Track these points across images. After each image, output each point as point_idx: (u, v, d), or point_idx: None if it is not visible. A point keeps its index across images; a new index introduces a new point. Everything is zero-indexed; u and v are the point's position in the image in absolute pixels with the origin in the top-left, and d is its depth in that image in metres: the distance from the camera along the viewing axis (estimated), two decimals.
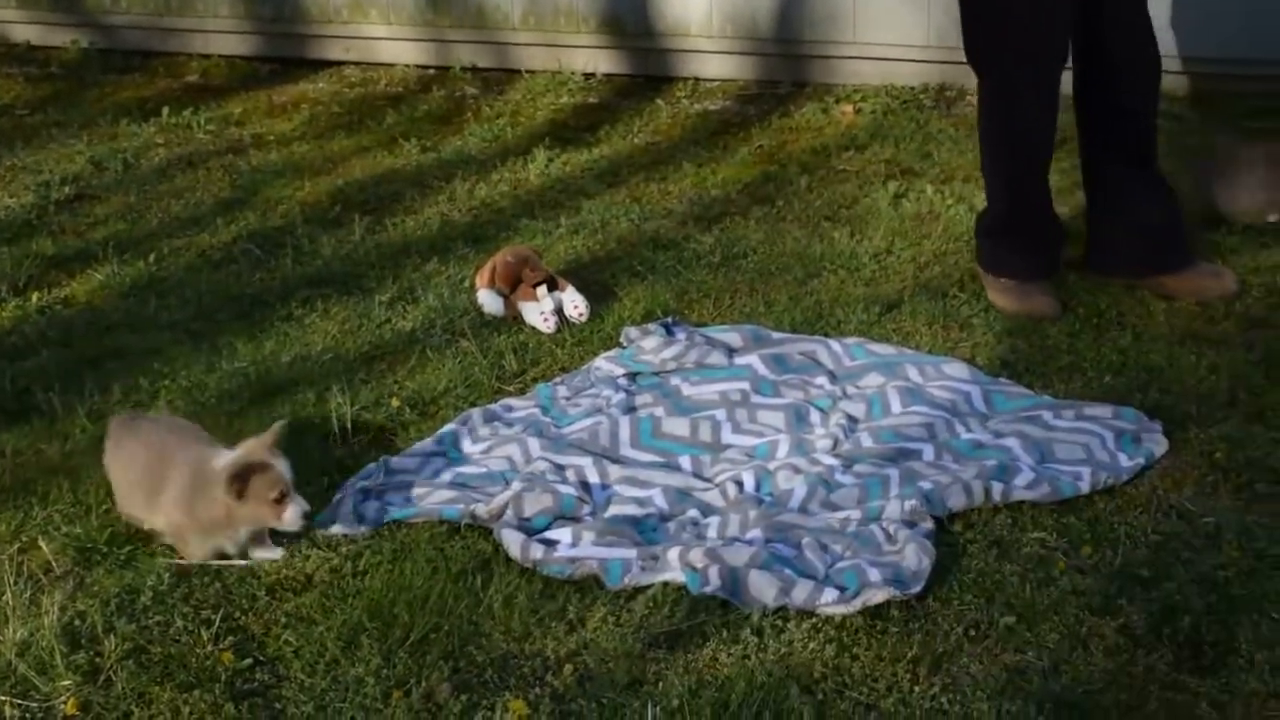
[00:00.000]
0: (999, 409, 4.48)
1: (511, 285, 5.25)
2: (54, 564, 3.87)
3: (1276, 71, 7.11)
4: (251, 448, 3.82)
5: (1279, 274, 5.29)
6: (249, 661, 3.48)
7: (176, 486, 3.84)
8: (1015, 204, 5.24)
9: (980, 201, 5.96)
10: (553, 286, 5.24)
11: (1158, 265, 5.25)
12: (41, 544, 3.93)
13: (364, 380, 4.84)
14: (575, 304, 5.21)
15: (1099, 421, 4.32)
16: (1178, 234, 5.32)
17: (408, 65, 8.63)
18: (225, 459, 3.82)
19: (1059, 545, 3.80)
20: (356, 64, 8.75)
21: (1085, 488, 4.01)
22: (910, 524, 3.83)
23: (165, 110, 7.93)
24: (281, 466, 3.80)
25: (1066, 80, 5.11)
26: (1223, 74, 7.18)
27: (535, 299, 5.18)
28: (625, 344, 4.97)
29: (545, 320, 5.14)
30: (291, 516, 3.79)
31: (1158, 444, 4.23)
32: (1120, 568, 3.69)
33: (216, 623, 3.60)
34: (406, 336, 5.16)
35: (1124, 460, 4.14)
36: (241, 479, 3.75)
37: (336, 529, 3.97)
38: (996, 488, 3.97)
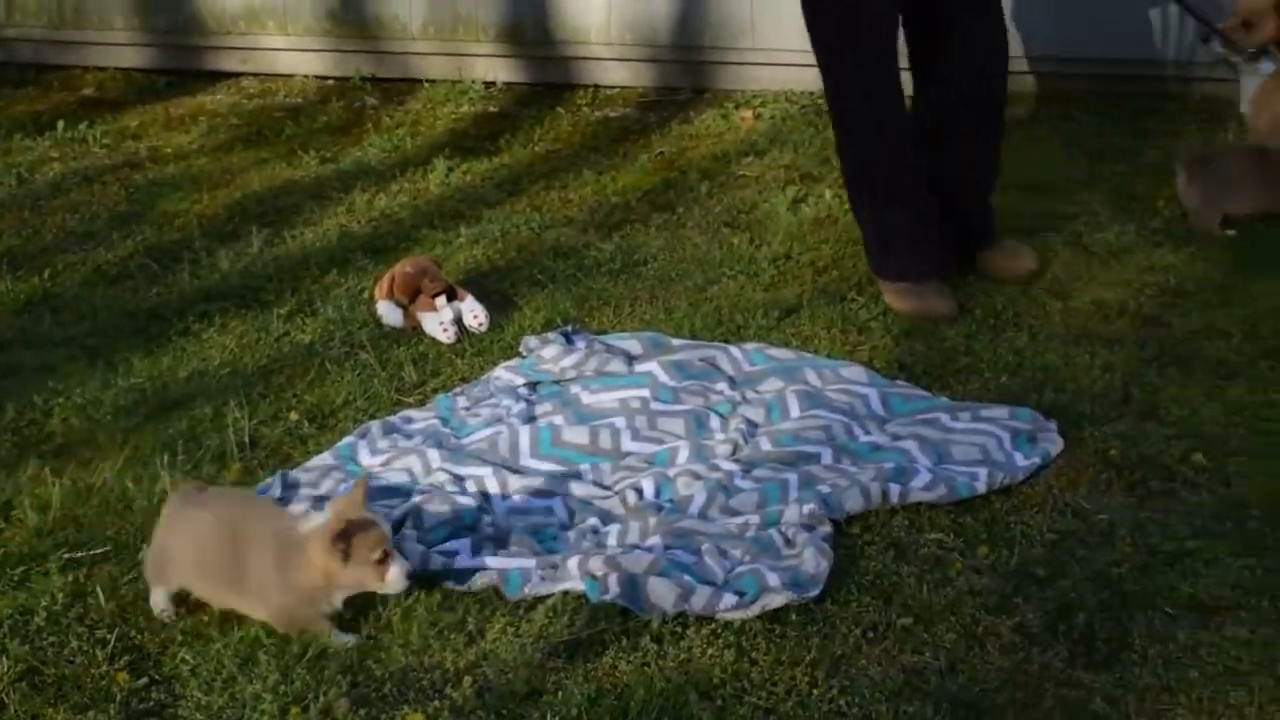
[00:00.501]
0: (897, 411, 4.51)
1: (410, 296, 5.23)
2: None
3: (1159, 72, 7.21)
4: (344, 506, 3.53)
5: (1171, 272, 5.36)
6: (145, 681, 3.45)
7: (264, 561, 3.55)
8: (893, 204, 5.29)
9: None
10: (452, 296, 5.23)
11: (962, 245, 5.40)
12: None
13: (262, 394, 4.80)
14: (475, 313, 5.19)
15: (995, 422, 4.36)
16: (986, 214, 5.49)
17: (306, 76, 8.57)
18: (315, 522, 3.56)
19: (956, 546, 3.83)
20: (254, 75, 8.68)
21: (982, 488, 4.05)
22: (808, 528, 3.84)
23: (60, 124, 7.83)
24: (383, 525, 3.58)
25: None
26: (1110, 75, 7.26)
27: (434, 309, 5.16)
28: (525, 353, 4.96)
29: (445, 330, 5.12)
30: (395, 577, 3.52)
31: (1053, 443, 4.27)
32: (1016, 567, 3.73)
33: (112, 642, 3.56)
34: (305, 349, 5.12)
35: (1020, 460, 4.18)
36: (345, 539, 3.48)
37: None
38: (894, 490, 3.99)
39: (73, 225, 6.49)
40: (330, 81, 8.49)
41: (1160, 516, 3.91)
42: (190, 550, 3.63)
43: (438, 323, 5.13)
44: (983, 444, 4.24)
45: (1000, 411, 4.42)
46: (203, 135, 7.73)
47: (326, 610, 3.55)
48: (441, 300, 5.19)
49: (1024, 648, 3.44)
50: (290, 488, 4.20)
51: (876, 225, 5.31)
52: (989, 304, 5.19)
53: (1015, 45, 7.06)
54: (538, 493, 4.14)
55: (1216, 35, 6.34)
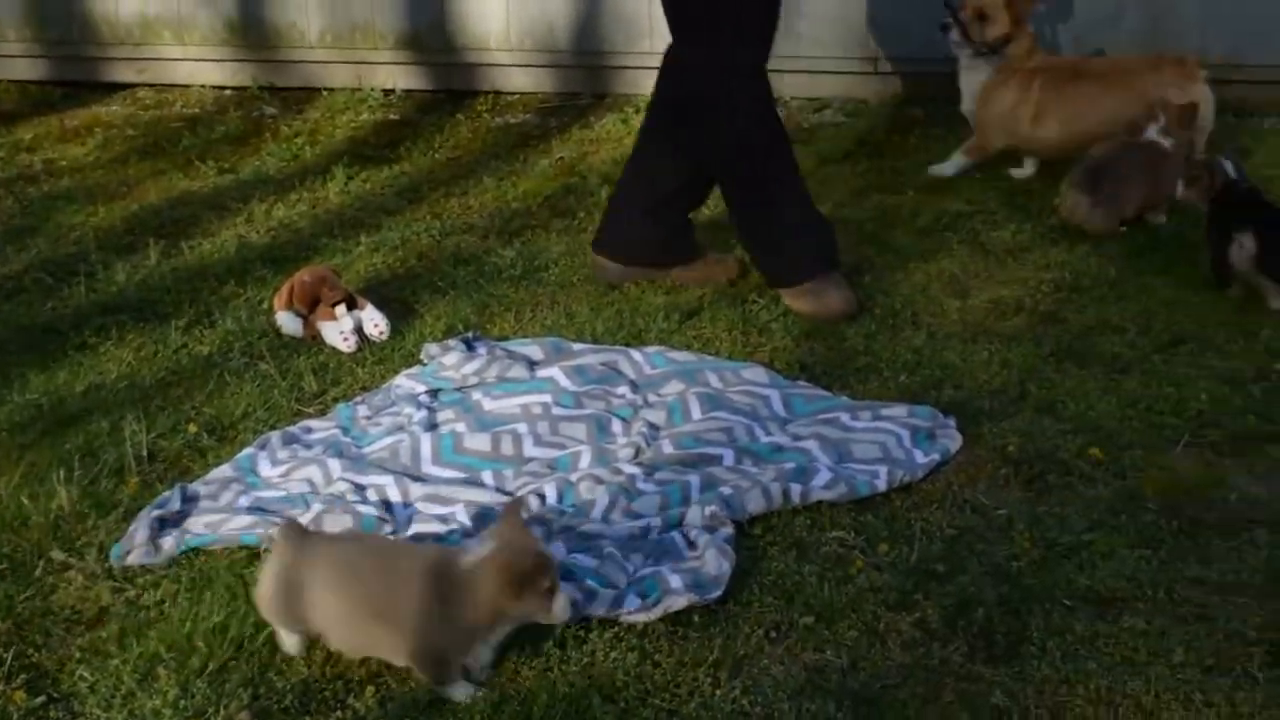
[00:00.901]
0: (798, 412, 4.53)
1: (310, 306, 5.20)
2: None
3: None
4: (509, 536, 3.33)
5: (1067, 269, 5.42)
6: (42, 699, 3.41)
7: (423, 598, 3.31)
8: (787, 202, 5.31)
9: None
10: (352, 305, 5.20)
11: (668, 258, 5.48)
12: None
13: (160, 407, 4.76)
14: (375, 322, 5.17)
15: (895, 420, 4.39)
16: (685, 226, 5.55)
17: (204, 86, 8.52)
18: (478, 554, 3.33)
19: (857, 544, 3.85)
20: (151, 86, 8.62)
21: (882, 486, 4.08)
22: (711, 529, 3.85)
23: None
24: (548, 550, 3.42)
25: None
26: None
27: (334, 318, 5.14)
28: (426, 360, 4.94)
29: (345, 339, 5.10)
30: (561, 608, 3.33)
31: (952, 440, 4.31)
32: (916, 563, 3.75)
33: (9, 661, 3.52)
34: (204, 361, 5.08)
35: (920, 457, 4.21)
36: (524, 572, 3.28)
37: (132, 559, 3.90)
38: (795, 489, 4.01)
39: None
40: (228, 91, 8.44)
41: (1058, 510, 3.95)
42: (332, 594, 3.39)
43: (338, 331, 5.11)
44: (883, 442, 4.27)
45: (900, 410, 4.45)
46: (98, 147, 7.66)
47: (485, 647, 3.37)
48: (341, 309, 5.16)
49: (924, 643, 3.46)
50: (189, 500, 4.16)
51: (768, 229, 5.34)
52: (888, 303, 5.23)
53: (910, 45, 7.17)
54: (440, 500, 4.13)
55: (957, 25, 6.39)
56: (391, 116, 7.92)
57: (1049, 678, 3.33)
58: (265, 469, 4.34)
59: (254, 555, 3.88)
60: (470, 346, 4.96)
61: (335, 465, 4.29)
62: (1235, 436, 4.26)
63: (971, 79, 6.47)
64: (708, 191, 5.58)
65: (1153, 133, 5.83)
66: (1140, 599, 3.58)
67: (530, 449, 4.39)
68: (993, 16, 6.31)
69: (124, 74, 8.64)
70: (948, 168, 6.45)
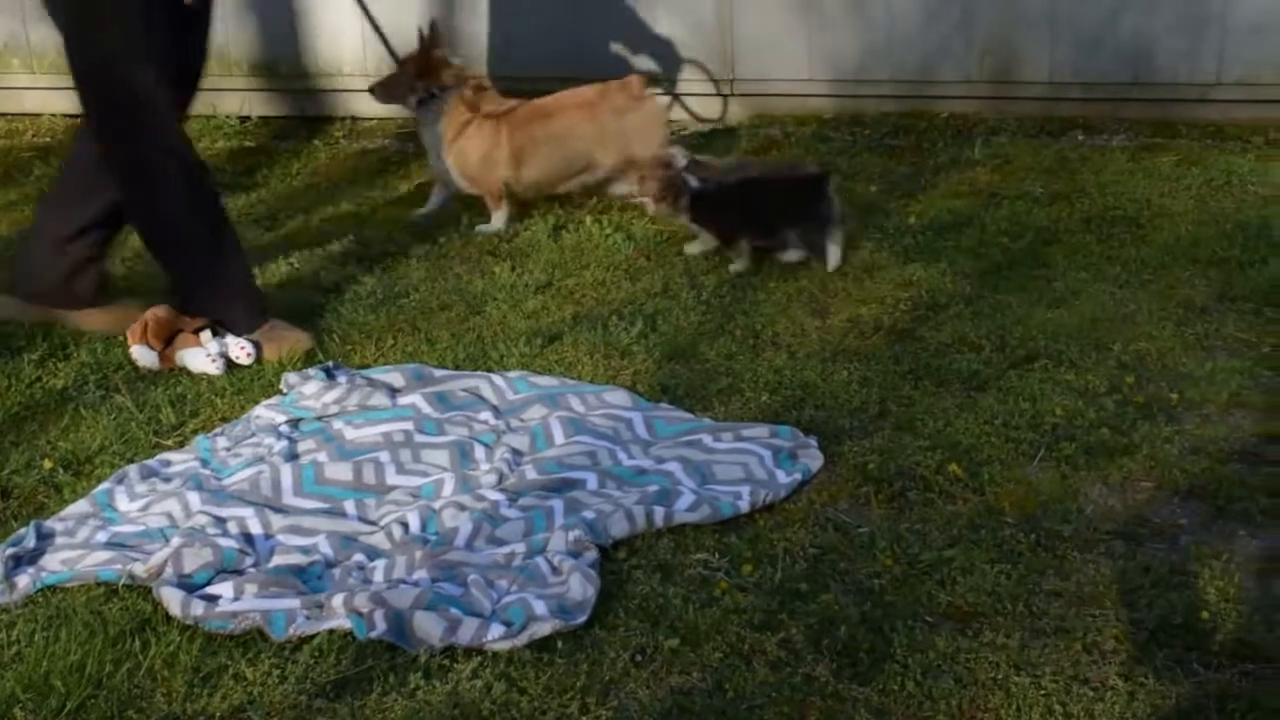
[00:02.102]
0: (661, 434, 4.54)
1: (166, 339, 5.12)
2: None
3: (908, 92, 7.38)
4: None
5: (923, 287, 5.48)
6: None
7: None
8: (222, 249, 5.31)
9: (640, 229, 6.08)
10: (216, 330, 5.15)
11: (64, 299, 5.47)
12: None
13: (14, 443, 4.67)
14: (241, 345, 5.11)
15: (757, 441, 4.42)
16: (93, 264, 5.50)
17: (54, 115, 8.38)
18: None
19: (721, 565, 3.87)
20: (1, 115, 8.46)
21: (745, 506, 4.10)
22: (575, 554, 3.85)
23: None
24: None
25: None
26: (858, 95, 7.43)
27: (200, 344, 5.08)
28: (286, 390, 4.90)
29: (214, 362, 5.05)
30: None
31: (814, 459, 4.34)
32: (780, 583, 3.77)
33: None
34: (58, 395, 5.00)
35: (782, 477, 4.24)
36: None
37: None
38: (659, 512, 4.02)
39: None
40: (80, 119, 8.28)
41: (919, 527, 3.99)
42: None
43: (205, 355, 5.06)
44: (745, 463, 4.30)
45: (761, 430, 4.48)
46: None
47: None
48: (206, 334, 5.11)
49: (789, 663, 3.48)
50: (45, 538, 4.09)
51: (212, 276, 5.30)
52: (748, 324, 5.26)
53: (765, 67, 7.24)
54: (301, 531, 4.09)
55: (383, 87, 6.56)
56: (247, 143, 7.85)
57: (913, 695, 3.36)
58: (123, 503, 4.28)
59: (112, 591, 3.82)
60: (330, 375, 4.92)
61: (195, 498, 4.24)
62: (1089, 449, 4.33)
63: (429, 133, 6.59)
64: (117, 234, 5.57)
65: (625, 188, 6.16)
66: (1000, 613, 3.62)
67: (393, 477, 4.36)
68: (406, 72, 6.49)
69: None
70: (489, 228, 6.49)
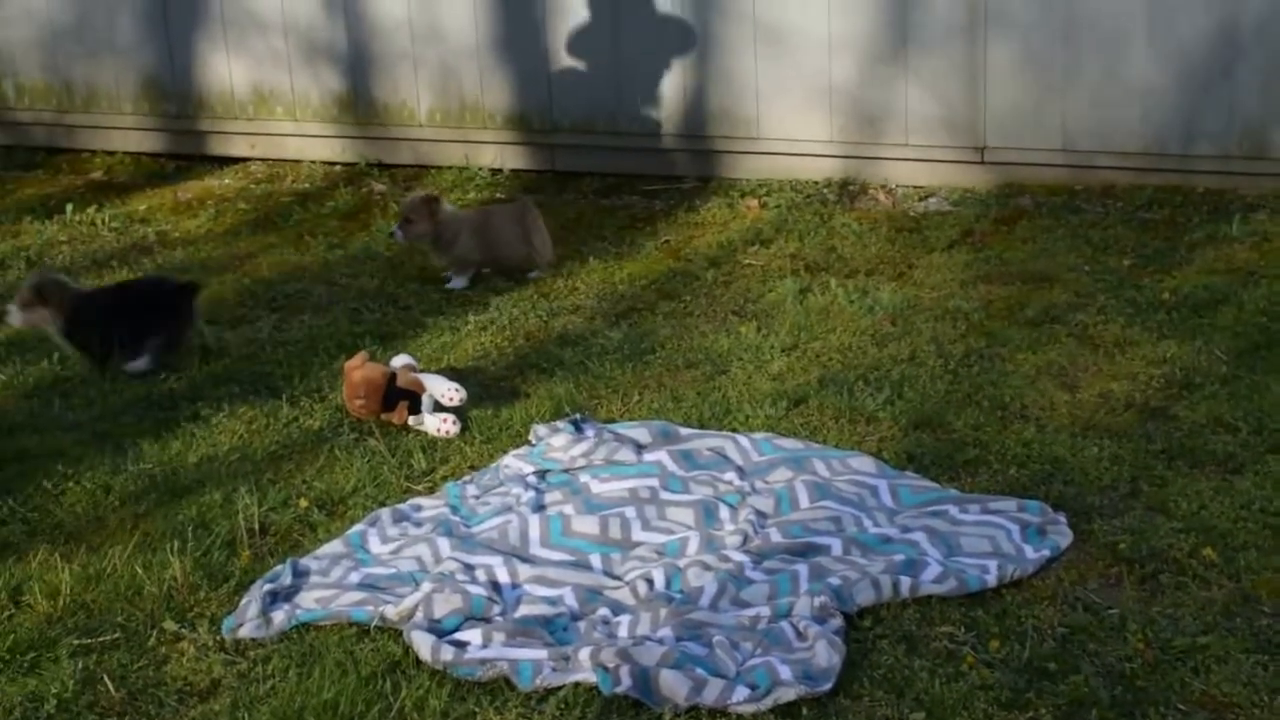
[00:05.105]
0: (906, 503, 4.52)
1: (384, 407, 5.20)
2: None
3: (1161, 165, 7.27)
4: None
5: (1176, 365, 5.37)
6: None
7: None
8: None
9: (888, 295, 6.06)
10: (415, 404, 5.17)
11: None
12: None
13: (271, 480, 4.81)
14: (444, 393, 5.13)
15: (1004, 514, 4.37)
16: None
17: (314, 161, 8.62)
18: None
19: (967, 639, 3.83)
20: (263, 160, 8.73)
21: (992, 581, 4.05)
22: (820, 620, 3.84)
23: (69, 207, 7.88)
24: None
25: None
26: (1118, 167, 7.33)
27: (420, 422, 5.15)
28: (534, 441, 4.97)
29: (445, 429, 5.10)
30: None
31: (1063, 536, 4.28)
32: (1028, 661, 3.72)
33: None
34: (314, 435, 5.14)
35: (1030, 552, 4.18)
36: None
37: (244, 633, 3.94)
38: (904, 582, 4.00)
39: None
40: (338, 167, 8.54)
41: (1171, 611, 3.91)
42: None
43: (434, 428, 5.11)
44: (992, 536, 4.25)
45: (1009, 504, 4.43)
46: (211, 219, 7.77)
47: None
48: (417, 415, 5.16)
49: None
50: (300, 575, 4.20)
51: None
52: (996, 395, 5.20)
53: (1016, 136, 7.18)
54: (547, 582, 4.14)
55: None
56: (498, 195, 7.98)
57: None
58: (375, 545, 4.38)
59: (364, 632, 3.91)
60: (578, 428, 4.98)
61: (444, 544, 4.32)
62: None
63: None
64: None
65: None
66: (1257, 705, 3.54)
67: (638, 533, 4.40)
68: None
69: (237, 148, 8.77)
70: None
